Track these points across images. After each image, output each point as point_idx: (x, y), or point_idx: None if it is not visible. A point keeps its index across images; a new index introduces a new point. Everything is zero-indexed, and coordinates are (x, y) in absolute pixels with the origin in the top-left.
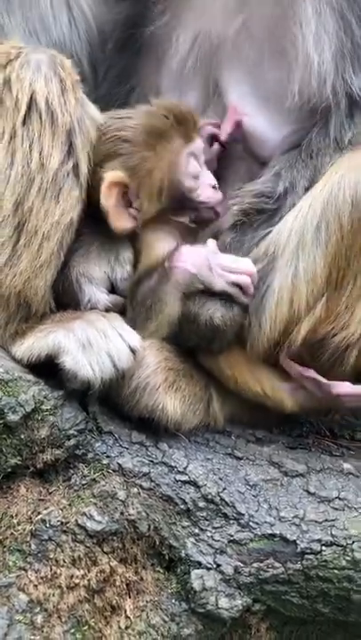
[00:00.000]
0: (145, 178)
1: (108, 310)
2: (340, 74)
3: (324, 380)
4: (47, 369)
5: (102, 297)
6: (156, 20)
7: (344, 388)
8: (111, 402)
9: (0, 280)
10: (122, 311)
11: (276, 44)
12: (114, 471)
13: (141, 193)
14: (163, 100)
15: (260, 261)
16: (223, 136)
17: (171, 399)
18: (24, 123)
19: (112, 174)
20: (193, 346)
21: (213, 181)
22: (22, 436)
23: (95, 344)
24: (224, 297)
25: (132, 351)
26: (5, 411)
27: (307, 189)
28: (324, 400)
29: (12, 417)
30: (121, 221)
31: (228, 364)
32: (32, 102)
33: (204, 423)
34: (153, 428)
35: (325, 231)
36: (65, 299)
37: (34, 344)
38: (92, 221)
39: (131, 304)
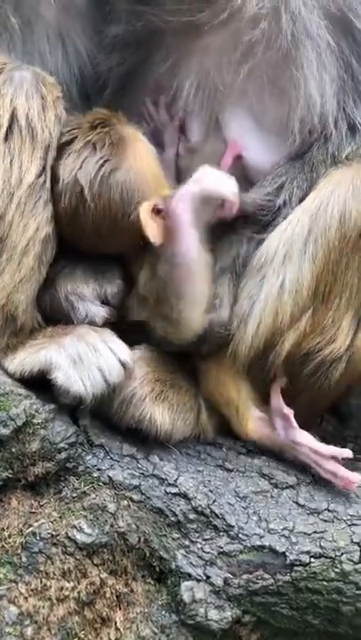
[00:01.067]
0: (148, 185)
1: (105, 323)
2: (342, 108)
3: (295, 425)
4: (39, 382)
5: (99, 310)
6: (157, 66)
7: (306, 439)
8: (102, 414)
9: None
10: (114, 323)
11: (279, 85)
12: (104, 484)
13: (159, 195)
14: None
15: (252, 272)
16: (224, 168)
17: (159, 409)
18: (6, 139)
19: (143, 209)
20: (182, 348)
21: None
22: (13, 450)
23: (86, 359)
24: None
25: (123, 365)
26: None
27: (300, 200)
28: (283, 445)
29: (4, 431)
30: (156, 233)
31: (208, 371)
32: (13, 118)
33: (196, 433)
34: (143, 438)
35: (313, 245)
36: (55, 317)
37: (25, 359)
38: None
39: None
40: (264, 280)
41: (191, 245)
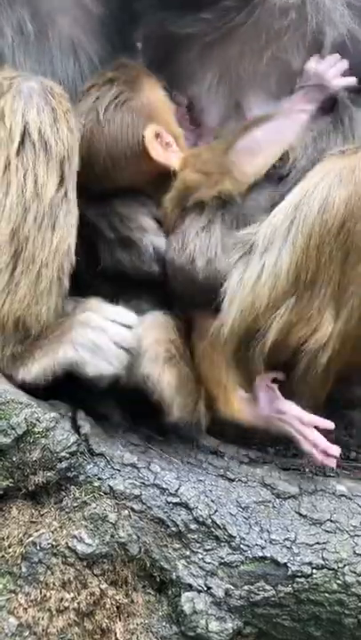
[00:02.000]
0: (158, 113)
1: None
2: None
3: (279, 395)
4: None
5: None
6: (181, 57)
7: (290, 407)
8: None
9: None
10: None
11: (299, 69)
12: (105, 493)
13: (168, 127)
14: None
15: (242, 259)
16: None
17: (169, 372)
18: (18, 153)
19: (149, 129)
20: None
21: None
22: (14, 459)
23: (100, 342)
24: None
25: (131, 327)
26: None
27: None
28: (268, 418)
29: (4, 440)
30: (172, 162)
31: (203, 351)
32: (25, 133)
33: (190, 421)
34: (144, 449)
35: (295, 230)
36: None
37: (46, 366)
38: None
39: None
40: (248, 264)
41: None
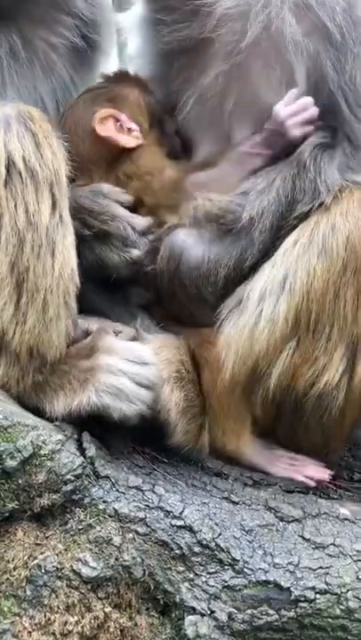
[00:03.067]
0: (128, 104)
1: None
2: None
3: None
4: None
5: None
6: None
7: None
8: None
9: (8, 338)
10: None
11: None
12: (110, 516)
13: (135, 117)
14: None
15: (238, 307)
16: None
17: (177, 393)
18: (6, 184)
19: (101, 112)
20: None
21: None
22: (20, 481)
23: (122, 386)
24: None
25: (149, 363)
26: (4, 457)
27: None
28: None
29: (11, 462)
30: (124, 141)
31: (213, 382)
32: (10, 163)
33: (191, 446)
34: (149, 471)
35: (292, 277)
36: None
37: (72, 410)
38: None
39: None
40: (243, 312)
41: None
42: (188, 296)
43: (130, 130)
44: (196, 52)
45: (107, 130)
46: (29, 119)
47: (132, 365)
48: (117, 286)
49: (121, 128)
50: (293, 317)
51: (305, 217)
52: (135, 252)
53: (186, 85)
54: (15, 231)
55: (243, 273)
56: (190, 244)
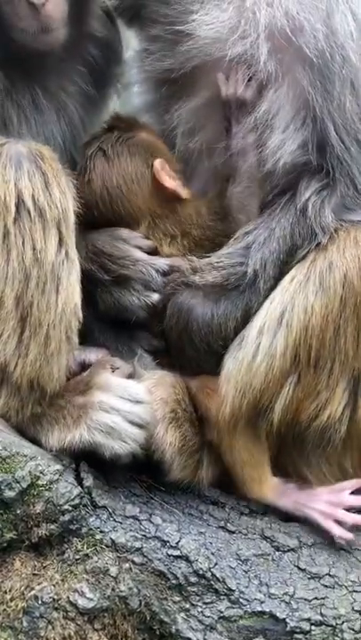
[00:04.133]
0: (162, 152)
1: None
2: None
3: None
4: None
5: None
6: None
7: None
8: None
9: (10, 370)
10: None
11: None
12: (107, 546)
13: (170, 165)
14: None
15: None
16: None
17: (173, 433)
18: (15, 221)
19: (157, 161)
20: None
21: None
22: (18, 511)
23: (115, 424)
24: None
25: (143, 402)
26: (2, 487)
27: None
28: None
29: (9, 493)
30: (183, 192)
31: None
32: (19, 201)
33: (190, 481)
34: (146, 500)
35: (288, 314)
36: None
37: (66, 441)
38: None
39: None
40: (242, 347)
41: None
42: (196, 350)
43: (172, 177)
44: (180, 82)
45: (167, 178)
46: (40, 158)
47: (126, 403)
48: (124, 325)
49: (173, 178)
50: (292, 352)
51: (303, 257)
52: (155, 296)
53: (174, 114)
54: (22, 267)
55: (250, 319)
56: (197, 303)
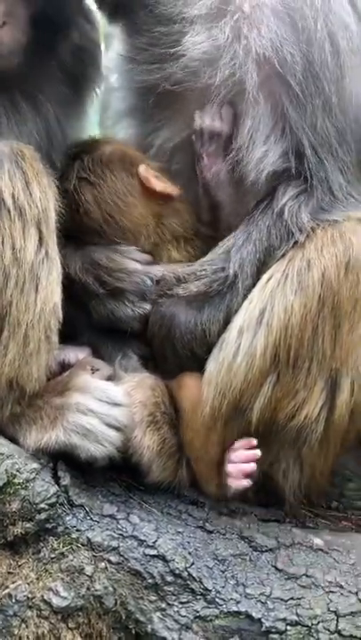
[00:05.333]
0: (140, 160)
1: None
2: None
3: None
4: None
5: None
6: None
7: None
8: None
9: None
10: None
11: None
12: (82, 545)
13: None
14: None
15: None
16: None
17: (151, 436)
18: None
19: (140, 168)
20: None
21: None
22: None
23: (91, 426)
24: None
25: (121, 405)
26: None
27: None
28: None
29: None
30: (172, 190)
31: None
32: None
33: (170, 482)
34: (125, 500)
35: (268, 314)
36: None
37: (42, 441)
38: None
39: None
40: (224, 347)
41: None
42: (179, 357)
43: (157, 177)
44: (166, 96)
45: (158, 183)
46: (21, 157)
47: (103, 405)
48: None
49: (159, 179)
50: (272, 352)
51: (282, 256)
52: (148, 307)
53: (159, 127)
54: (1, 266)
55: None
56: (179, 311)
